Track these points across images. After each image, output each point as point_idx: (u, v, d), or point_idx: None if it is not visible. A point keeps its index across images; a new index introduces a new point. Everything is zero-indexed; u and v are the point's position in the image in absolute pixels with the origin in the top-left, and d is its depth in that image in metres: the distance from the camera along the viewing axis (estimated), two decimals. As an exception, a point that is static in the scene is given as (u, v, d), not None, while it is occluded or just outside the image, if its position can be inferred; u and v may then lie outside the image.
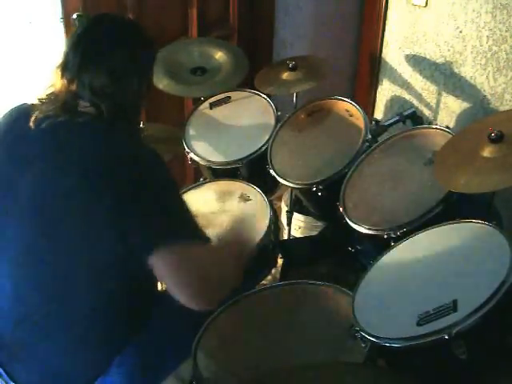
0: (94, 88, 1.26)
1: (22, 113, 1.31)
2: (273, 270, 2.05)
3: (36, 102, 1.32)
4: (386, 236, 1.59)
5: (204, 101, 2.29)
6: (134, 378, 1.34)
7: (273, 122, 2.14)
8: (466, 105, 2.52)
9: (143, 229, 1.19)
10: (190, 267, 1.19)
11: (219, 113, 2.25)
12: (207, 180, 2.14)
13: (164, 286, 1.84)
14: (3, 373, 1.29)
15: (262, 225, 1.84)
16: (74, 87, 1.26)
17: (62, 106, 1.25)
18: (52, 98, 1.29)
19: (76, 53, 1.27)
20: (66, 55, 1.29)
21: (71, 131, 1.25)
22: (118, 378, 1.31)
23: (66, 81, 1.27)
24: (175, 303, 1.50)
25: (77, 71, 1.26)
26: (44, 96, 1.32)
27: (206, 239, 1.26)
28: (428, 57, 2.61)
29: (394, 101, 2.87)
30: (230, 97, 2.28)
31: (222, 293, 1.27)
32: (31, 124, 1.25)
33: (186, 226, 1.25)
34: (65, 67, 1.28)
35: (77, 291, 1.24)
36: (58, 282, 1.24)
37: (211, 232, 1.87)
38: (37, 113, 1.26)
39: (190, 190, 2.07)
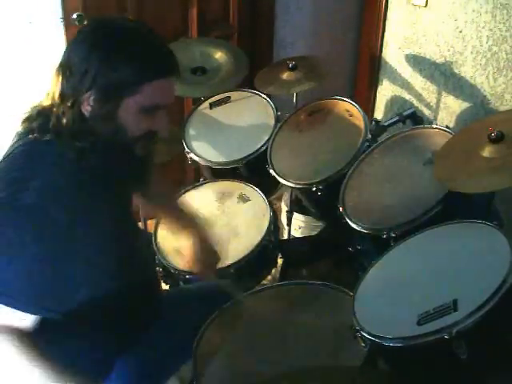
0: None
1: None
2: (273, 270, 2.05)
3: None
4: (385, 236, 1.58)
5: (204, 101, 2.29)
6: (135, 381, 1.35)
7: (273, 122, 2.14)
8: (466, 105, 2.52)
9: None
10: None
11: (219, 113, 2.25)
12: (207, 180, 2.14)
13: (165, 286, 1.86)
14: None
15: (261, 225, 1.85)
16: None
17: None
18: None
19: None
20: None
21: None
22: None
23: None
24: (174, 307, 1.51)
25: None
26: None
27: None
28: (428, 57, 2.61)
29: (394, 101, 2.87)
30: (229, 97, 2.28)
31: None
32: None
33: None
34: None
35: None
36: None
37: (210, 232, 1.89)
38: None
39: (189, 190, 2.07)
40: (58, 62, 1.18)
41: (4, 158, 1.17)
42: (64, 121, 1.14)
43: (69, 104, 1.13)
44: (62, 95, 1.14)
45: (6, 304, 1.07)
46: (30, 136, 1.16)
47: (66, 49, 1.17)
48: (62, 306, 1.15)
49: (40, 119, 1.17)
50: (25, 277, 1.08)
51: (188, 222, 1.61)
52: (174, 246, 1.85)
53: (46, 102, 1.18)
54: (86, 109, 1.14)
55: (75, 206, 1.12)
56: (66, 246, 1.11)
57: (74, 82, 1.12)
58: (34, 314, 1.10)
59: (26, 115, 1.20)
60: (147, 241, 1.86)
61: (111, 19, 1.23)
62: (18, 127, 1.20)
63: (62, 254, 1.11)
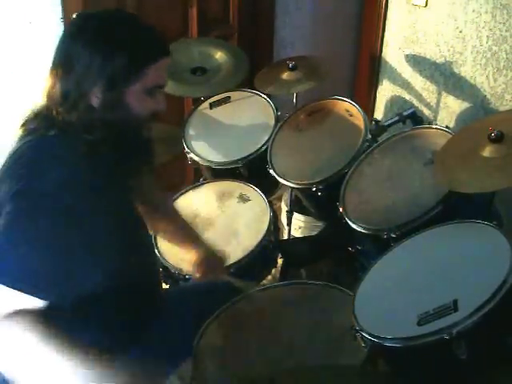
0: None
1: None
2: (273, 270, 2.05)
3: None
4: (385, 236, 1.58)
5: (204, 101, 2.29)
6: None
7: (273, 122, 2.14)
8: (466, 105, 2.52)
9: None
10: None
11: (219, 113, 2.25)
12: (207, 180, 2.14)
13: (165, 286, 1.86)
14: None
15: (261, 225, 1.85)
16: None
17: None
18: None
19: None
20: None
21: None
22: None
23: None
24: (175, 304, 1.51)
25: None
26: None
27: None
28: (428, 57, 2.61)
29: (394, 101, 2.87)
30: (229, 97, 2.28)
31: None
32: None
33: None
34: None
35: None
36: None
37: (210, 233, 1.89)
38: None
39: (189, 190, 2.07)
40: (53, 61, 1.19)
41: (11, 155, 1.17)
42: (73, 116, 1.15)
43: (75, 99, 1.15)
44: (65, 92, 1.15)
45: (20, 290, 1.07)
46: (36, 133, 1.17)
47: (60, 46, 1.18)
48: (73, 291, 1.15)
49: (39, 120, 1.18)
50: (38, 262, 1.09)
51: (189, 231, 1.68)
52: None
53: (44, 102, 1.19)
54: (94, 101, 1.16)
55: (87, 195, 1.14)
56: (77, 232, 1.12)
57: (77, 77, 1.14)
58: (46, 299, 1.10)
59: (24, 119, 1.21)
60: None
61: (100, 12, 1.27)
62: (17, 131, 1.21)
63: (75, 241, 1.12)
